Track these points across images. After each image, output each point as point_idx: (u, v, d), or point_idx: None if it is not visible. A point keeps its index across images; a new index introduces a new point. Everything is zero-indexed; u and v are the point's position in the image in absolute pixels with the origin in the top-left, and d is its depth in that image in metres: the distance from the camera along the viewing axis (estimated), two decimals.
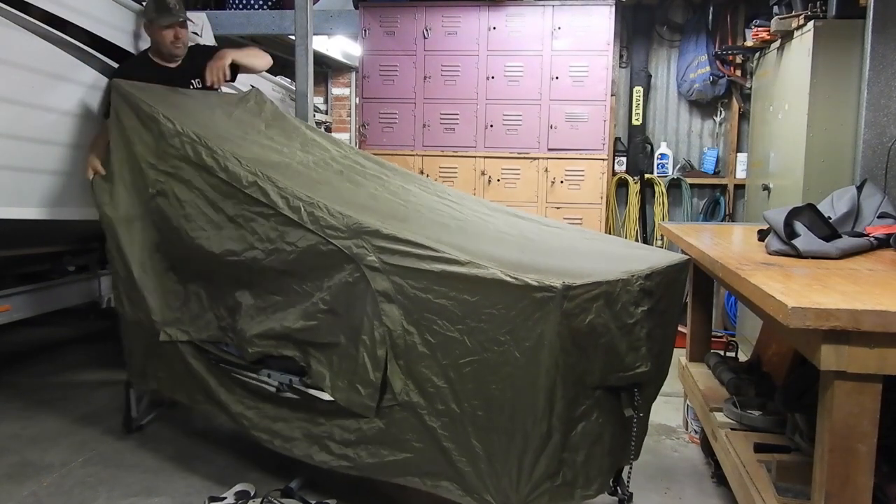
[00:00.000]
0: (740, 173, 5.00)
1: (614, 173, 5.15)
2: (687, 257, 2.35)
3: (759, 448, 2.21)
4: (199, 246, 2.55)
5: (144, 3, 3.21)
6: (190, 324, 2.64)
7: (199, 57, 3.28)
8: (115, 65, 3.19)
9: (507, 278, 1.83)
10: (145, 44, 3.44)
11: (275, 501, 2.41)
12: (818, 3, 3.55)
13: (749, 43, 4.53)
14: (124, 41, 3.30)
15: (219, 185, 2.53)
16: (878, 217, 2.53)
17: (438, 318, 1.98)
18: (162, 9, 3.10)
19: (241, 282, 2.50)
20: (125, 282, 2.76)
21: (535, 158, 4.77)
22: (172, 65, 3.23)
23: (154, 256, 2.73)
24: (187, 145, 2.61)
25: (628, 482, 2.27)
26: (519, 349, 1.84)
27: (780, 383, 2.51)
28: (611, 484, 2.32)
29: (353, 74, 8.11)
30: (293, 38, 4.02)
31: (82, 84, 3.04)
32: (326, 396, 2.31)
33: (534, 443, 1.84)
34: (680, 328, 2.60)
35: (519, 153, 4.79)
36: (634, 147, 5.16)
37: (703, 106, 5.15)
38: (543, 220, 2.84)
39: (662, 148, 5.15)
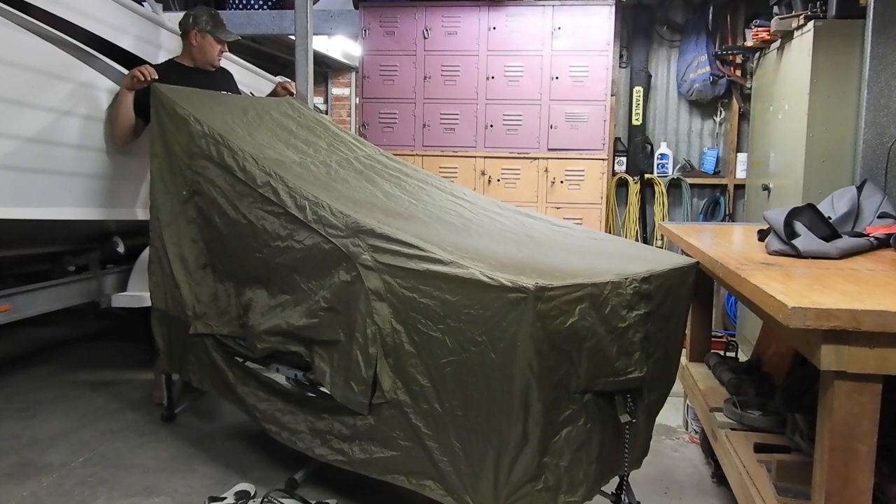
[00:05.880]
0: (740, 173, 5.00)
1: (614, 173, 5.16)
2: (694, 260, 2.33)
3: (759, 448, 2.21)
4: (228, 244, 2.66)
5: (191, 14, 3.41)
6: (216, 318, 2.72)
7: (225, 81, 3.57)
8: (116, 65, 3.19)
9: (484, 278, 1.83)
10: (144, 44, 3.45)
11: (275, 501, 2.41)
12: (818, 3, 3.55)
13: (749, 43, 4.53)
14: (126, 42, 3.30)
15: (237, 184, 2.62)
16: (878, 217, 2.53)
17: (422, 317, 2.00)
18: (220, 24, 3.41)
19: (259, 280, 2.57)
20: (167, 278, 2.85)
21: (535, 158, 4.77)
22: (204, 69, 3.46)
23: (192, 254, 2.82)
24: (212, 146, 2.72)
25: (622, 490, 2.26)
26: (494, 350, 1.84)
27: (780, 383, 2.51)
28: (616, 492, 2.31)
29: (353, 74, 8.12)
30: (293, 38, 4.02)
31: (83, 84, 3.03)
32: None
33: (509, 445, 1.84)
34: None
35: (519, 153, 4.79)
36: (634, 147, 5.16)
37: (703, 106, 5.15)
38: (554, 220, 2.86)
39: (662, 148, 5.15)
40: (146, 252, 3.06)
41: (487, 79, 4.79)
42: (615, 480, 2.27)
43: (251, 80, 4.31)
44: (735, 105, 5.03)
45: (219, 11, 3.60)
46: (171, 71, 3.28)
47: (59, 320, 4.72)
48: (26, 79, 2.74)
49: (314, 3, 4.42)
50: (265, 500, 2.42)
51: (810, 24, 3.54)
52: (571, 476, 1.94)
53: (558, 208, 4.72)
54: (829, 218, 2.39)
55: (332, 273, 2.26)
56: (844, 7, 3.44)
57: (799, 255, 2.15)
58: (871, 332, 1.43)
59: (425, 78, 4.86)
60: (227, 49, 3.51)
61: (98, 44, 3.11)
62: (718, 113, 5.13)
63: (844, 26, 3.45)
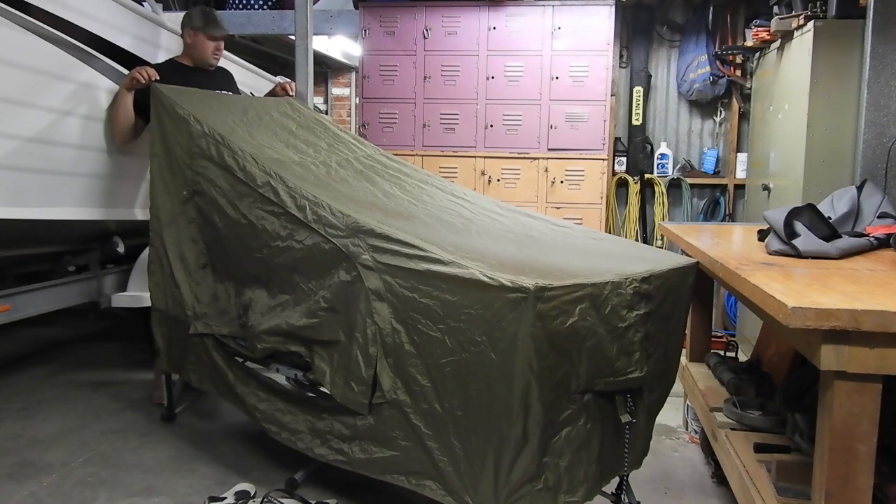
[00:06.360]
0: (740, 173, 5.00)
1: (614, 173, 5.16)
2: (694, 260, 2.33)
3: (759, 448, 2.21)
4: (228, 243, 2.66)
5: (187, 13, 3.41)
6: (216, 318, 2.72)
7: (226, 81, 3.57)
8: (116, 65, 3.20)
9: (484, 278, 1.83)
10: (144, 44, 3.45)
11: (275, 501, 2.41)
12: (818, 3, 3.55)
13: (749, 43, 4.53)
14: (126, 42, 3.30)
15: (237, 184, 2.62)
16: (878, 217, 2.53)
17: (422, 317, 2.00)
18: (212, 21, 3.37)
19: (259, 280, 2.58)
20: (167, 278, 2.85)
21: (535, 158, 4.77)
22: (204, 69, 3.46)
23: (192, 254, 2.82)
24: (212, 146, 2.71)
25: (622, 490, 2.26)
26: (494, 350, 1.84)
27: (780, 383, 2.51)
28: (616, 492, 2.31)
29: (353, 74, 8.12)
30: (293, 38, 4.02)
31: (83, 84, 3.04)
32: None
33: (509, 445, 1.84)
34: None
35: (519, 153, 4.79)
36: (634, 147, 5.16)
37: (703, 106, 5.15)
38: (554, 220, 2.86)
39: (662, 148, 5.15)
40: (146, 252, 3.06)
41: (487, 79, 4.79)
42: (615, 480, 2.27)
43: (251, 80, 4.31)
44: (735, 105, 5.03)
45: (217, 11, 3.60)
46: (171, 70, 3.28)
47: (59, 320, 4.72)
48: (26, 79, 2.74)
49: (314, 3, 4.43)
50: (265, 500, 2.42)
51: (810, 24, 3.54)
52: (571, 476, 1.94)
53: (558, 208, 4.72)
54: (829, 218, 2.39)
55: (332, 273, 2.26)
56: (844, 7, 3.44)
57: (799, 255, 2.15)
58: (871, 332, 1.43)
59: (425, 78, 4.86)
60: (222, 46, 3.46)
61: (98, 44, 3.11)
62: (718, 113, 5.13)
63: (844, 26, 3.45)
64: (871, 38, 3.16)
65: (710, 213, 5.16)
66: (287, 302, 2.45)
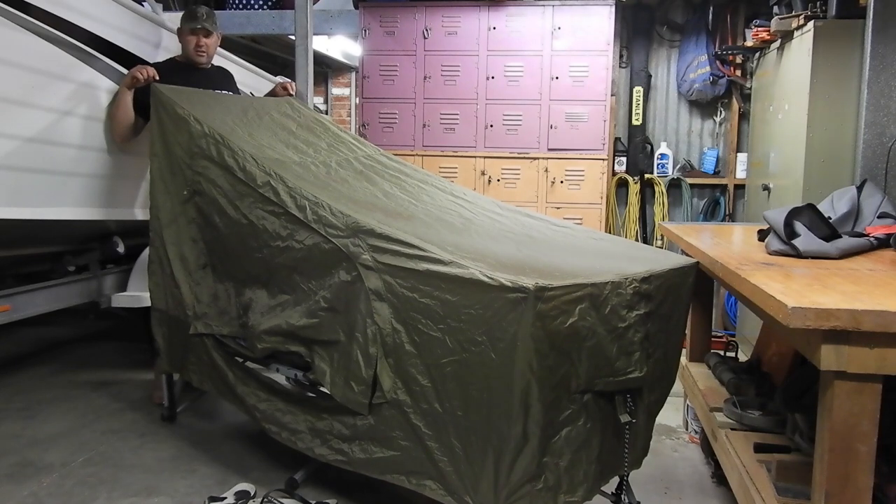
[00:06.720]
0: (740, 173, 5.01)
1: (614, 173, 5.16)
2: (694, 260, 2.33)
3: (759, 448, 2.21)
4: (228, 243, 2.67)
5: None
6: (216, 318, 2.72)
7: (225, 81, 3.57)
8: (116, 65, 3.20)
9: (484, 278, 1.83)
10: (144, 44, 3.45)
11: (275, 501, 2.41)
12: (818, 3, 3.55)
13: (749, 43, 4.53)
14: (126, 42, 3.30)
15: (237, 184, 2.62)
16: (878, 217, 2.53)
17: (423, 316, 2.00)
18: (189, 17, 3.38)
19: (259, 280, 2.58)
20: (167, 278, 2.85)
21: (535, 158, 4.77)
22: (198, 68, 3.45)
23: (192, 254, 2.82)
24: (212, 146, 2.72)
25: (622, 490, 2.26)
26: (494, 350, 1.84)
27: (780, 383, 2.51)
28: (616, 491, 2.31)
29: (353, 74, 8.12)
30: (293, 38, 4.03)
31: (83, 84, 3.04)
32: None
33: (509, 445, 1.84)
34: None
35: (519, 153, 4.79)
36: (634, 147, 5.16)
37: (703, 106, 5.16)
38: (554, 220, 2.86)
39: (662, 148, 5.15)
40: (146, 252, 3.06)
41: (487, 79, 4.80)
42: (615, 480, 2.27)
43: (251, 80, 4.31)
44: (735, 105, 5.03)
45: (217, 11, 3.60)
46: (171, 70, 3.28)
47: (59, 320, 4.72)
48: (26, 79, 2.74)
49: (314, 3, 4.43)
50: (265, 500, 2.42)
51: (810, 24, 3.54)
52: (571, 476, 1.94)
53: (558, 208, 4.72)
54: (829, 218, 2.39)
55: (332, 273, 2.26)
56: (844, 7, 3.45)
57: (799, 255, 2.15)
58: (871, 332, 1.43)
59: (425, 78, 4.86)
60: (204, 42, 3.37)
61: (98, 44, 3.11)
62: (718, 113, 5.13)
63: (844, 26, 3.45)
64: (871, 38, 3.16)
65: (710, 213, 5.16)
66: (287, 302, 2.45)
